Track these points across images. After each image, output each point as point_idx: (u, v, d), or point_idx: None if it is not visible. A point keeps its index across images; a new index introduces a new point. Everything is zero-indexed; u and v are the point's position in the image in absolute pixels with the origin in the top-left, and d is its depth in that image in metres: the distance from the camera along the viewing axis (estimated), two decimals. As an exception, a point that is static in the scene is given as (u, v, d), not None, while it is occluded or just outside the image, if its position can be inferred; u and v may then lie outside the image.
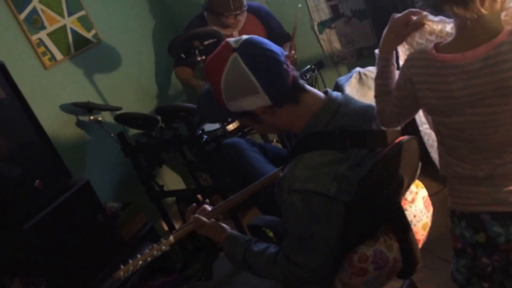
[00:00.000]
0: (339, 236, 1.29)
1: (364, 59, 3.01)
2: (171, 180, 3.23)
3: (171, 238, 1.51)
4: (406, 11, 1.25)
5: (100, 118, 2.66)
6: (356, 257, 1.36)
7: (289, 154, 1.39)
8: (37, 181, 2.08)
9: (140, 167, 2.64)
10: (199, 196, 2.78)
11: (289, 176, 1.28)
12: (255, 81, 1.27)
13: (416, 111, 1.29)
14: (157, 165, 2.73)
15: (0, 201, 1.96)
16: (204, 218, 1.53)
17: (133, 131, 2.92)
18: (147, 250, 1.48)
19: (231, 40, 1.33)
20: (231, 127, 2.70)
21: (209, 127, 2.82)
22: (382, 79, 1.30)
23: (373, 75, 1.37)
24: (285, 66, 1.30)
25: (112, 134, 2.62)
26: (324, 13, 3.01)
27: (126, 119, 2.60)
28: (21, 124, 2.13)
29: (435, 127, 1.24)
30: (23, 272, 2.07)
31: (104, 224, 2.29)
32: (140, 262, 1.46)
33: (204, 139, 2.50)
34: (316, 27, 3.06)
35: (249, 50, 1.29)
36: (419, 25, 1.24)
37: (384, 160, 1.30)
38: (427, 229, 1.52)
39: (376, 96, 1.33)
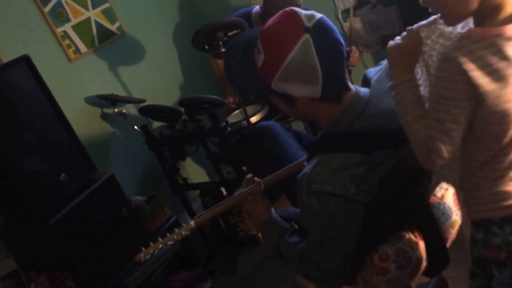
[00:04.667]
0: (358, 237, 1.27)
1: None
2: (194, 173, 3.22)
3: (192, 223, 1.51)
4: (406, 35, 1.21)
5: (124, 111, 2.67)
6: (377, 256, 1.34)
7: (312, 148, 1.36)
8: (62, 174, 2.09)
9: (164, 160, 2.64)
10: (222, 189, 2.77)
11: (308, 177, 1.25)
12: (319, 71, 1.18)
13: (466, 120, 1.09)
14: (180, 158, 2.73)
15: (26, 195, 1.98)
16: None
17: (156, 124, 2.91)
18: (168, 234, 1.49)
19: (302, 14, 1.22)
20: (254, 119, 2.68)
21: (233, 119, 2.80)
22: (417, 102, 1.14)
23: None
24: (345, 62, 1.24)
25: (136, 127, 2.62)
26: (348, 0, 2.94)
27: (150, 111, 2.59)
28: (47, 117, 2.14)
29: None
30: (49, 267, 2.09)
31: (128, 217, 2.30)
32: (161, 245, 1.47)
33: (228, 131, 2.48)
34: (340, 15, 3.00)
35: (322, 34, 1.20)
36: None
37: (406, 158, 1.25)
38: (457, 227, 1.47)
39: (414, 123, 1.13)
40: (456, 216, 1.45)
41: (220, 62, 3.05)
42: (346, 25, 3.03)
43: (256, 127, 2.09)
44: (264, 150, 1.99)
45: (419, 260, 1.37)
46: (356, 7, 2.94)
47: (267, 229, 1.49)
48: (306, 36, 1.18)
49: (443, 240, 1.40)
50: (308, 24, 1.19)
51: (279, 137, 1.93)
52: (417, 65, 1.22)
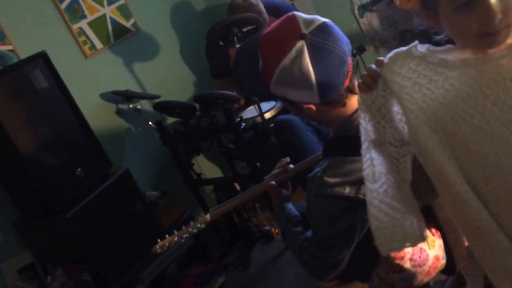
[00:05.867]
0: (360, 235, 1.28)
1: (407, 42, 2.90)
2: (208, 168, 3.23)
3: (207, 216, 1.52)
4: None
5: (139, 107, 2.69)
6: (393, 253, 1.32)
7: (323, 149, 1.36)
8: (78, 169, 2.11)
9: (178, 155, 2.65)
10: (236, 184, 2.78)
11: (318, 180, 1.26)
12: (313, 79, 1.18)
13: None
14: (194, 154, 2.74)
15: (43, 190, 2.00)
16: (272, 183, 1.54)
17: (171, 119, 2.93)
18: (184, 227, 1.50)
19: (301, 19, 1.21)
20: (268, 115, 2.67)
21: (247, 114, 2.80)
22: None
23: None
24: (347, 67, 1.22)
25: (150, 123, 2.63)
26: (364, -5, 2.92)
27: (165, 107, 2.61)
28: (63, 113, 2.16)
29: None
30: (66, 260, 2.12)
31: (143, 212, 2.31)
32: (176, 238, 1.48)
33: (242, 127, 2.48)
34: (356, 11, 2.97)
35: (319, 40, 1.18)
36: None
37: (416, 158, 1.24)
38: None
39: None
40: None
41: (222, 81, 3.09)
42: (362, 20, 3.00)
43: (276, 121, 2.12)
44: (283, 144, 2.01)
45: (437, 258, 1.36)
46: (373, 3, 2.91)
47: (276, 214, 1.53)
48: (301, 43, 1.18)
49: (462, 237, 1.37)
50: (305, 30, 1.19)
51: (298, 131, 1.95)
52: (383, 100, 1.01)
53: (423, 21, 1.00)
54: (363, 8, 2.96)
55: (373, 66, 1.00)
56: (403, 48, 0.99)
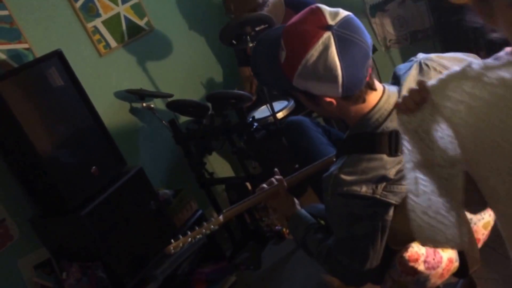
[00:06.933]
0: (383, 236, 1.26)
1: (418, 42, 2.90)
2: (220, 167, 3.24)
3: (220, 217, 1.52)
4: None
5: (152, 105, 2.70)
6: (407, 256, 1.32)
7: (339, 148, 1.36)
8: (93, 167, 2.13)
9: (190, 154, 2.66)
10: (247, 184, 2.78)
11: (334, 178, 1.25)
12: (339, 71, 1.16)
13: None
14: (207, 153, 2.74)
15: (59, 188, 2.02)
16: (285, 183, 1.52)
17: (184, 118, 2.94)
18: (197, 228, 1.50)
19: (326, 11, 1.20)
20: (280, 115, 2.68)
21: (260, 114, 2.80)
22: None
23: (436, 65, 1.27)
24: (370, 61, 1.21)
25: (163, 121, 2.65)
26: (376, -5, 2.92)
27: (178, 106, 2.62)
28: (78, 112, 2.18)
29: None
30: (81, 257, 2.14)
31: (157, 210, 2.33)
32: (190, 238, 1.48)
33: (254, 127, 2.48)
34: (368, 10, 2.97)
35: (345, 32, 1.17)
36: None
37: None
38: (489, 228, 1.43)
39: None
40: (489, 217, 1.42)
41: (243, 69, 3.09)
42: (374, 20, 2.99)
43: (286, 122, 2.13)
44: (293, 145, 2.02)
45: (451, 260, 1.36)
46: (385, 2, 2.91)
47: (293, 223, 1.50)
48: (328, 35, 1.16)
49: (475, 241, 1.36)
50: (332, 22, 1.18)
51: (308, 132, 1.95)
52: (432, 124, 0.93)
53: (478, 16, 0.92)
54: (375, 8, 2.95)
55: (421, 86, 0.92)
56: (457, 69, 0.89)
